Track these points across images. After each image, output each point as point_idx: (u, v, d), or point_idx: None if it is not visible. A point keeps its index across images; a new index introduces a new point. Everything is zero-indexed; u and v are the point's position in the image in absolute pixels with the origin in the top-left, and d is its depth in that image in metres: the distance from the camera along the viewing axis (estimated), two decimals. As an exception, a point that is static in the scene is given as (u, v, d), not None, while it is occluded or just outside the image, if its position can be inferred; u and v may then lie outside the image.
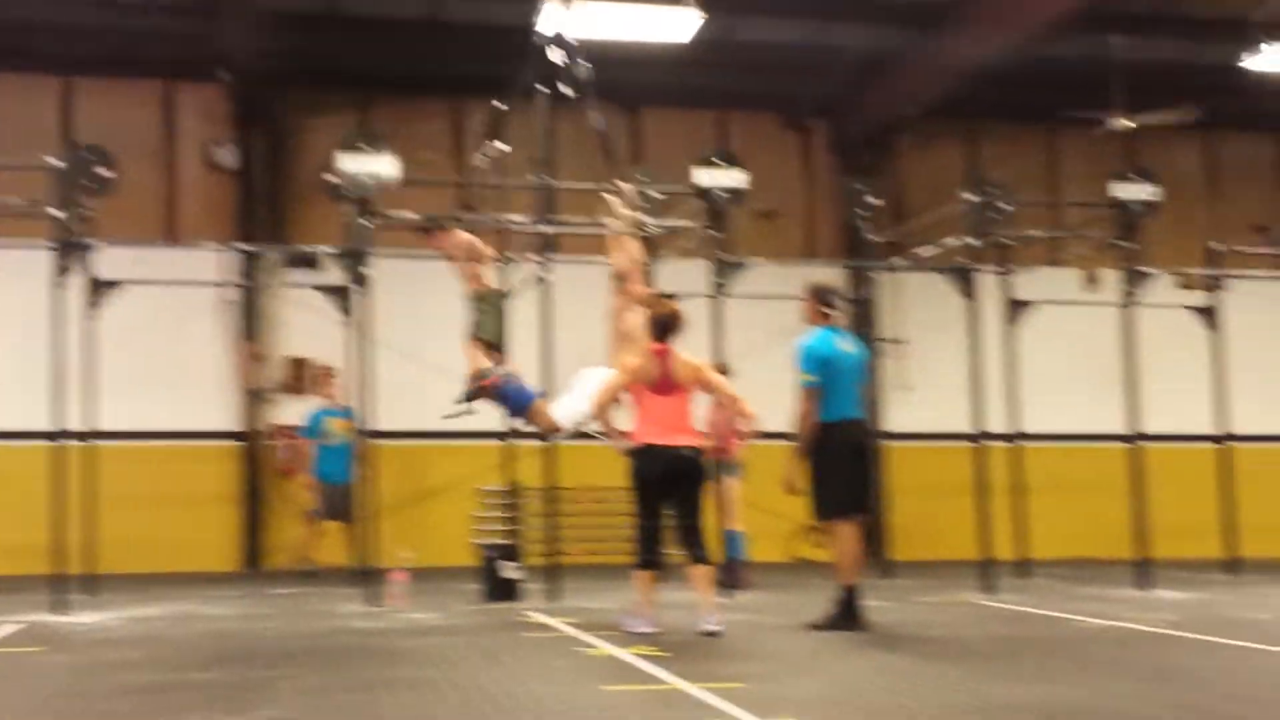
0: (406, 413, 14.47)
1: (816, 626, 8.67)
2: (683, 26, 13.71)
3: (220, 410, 15.77)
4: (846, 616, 8.66)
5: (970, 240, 11.91)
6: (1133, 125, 15.82)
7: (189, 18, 14.86)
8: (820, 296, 9.08)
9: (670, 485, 8.38)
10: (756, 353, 15.24)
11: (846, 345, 8.96)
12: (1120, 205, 12.15)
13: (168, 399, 15.51)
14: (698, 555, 8.47)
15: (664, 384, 8.42)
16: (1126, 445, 11.99)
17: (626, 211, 10.05)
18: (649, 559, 8.43)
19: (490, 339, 9.96)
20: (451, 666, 7.06)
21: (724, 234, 12.11)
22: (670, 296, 8.98)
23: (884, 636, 8.42)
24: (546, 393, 10.00)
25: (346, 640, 8.26)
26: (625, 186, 10.25)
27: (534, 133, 11.33)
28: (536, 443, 11.13)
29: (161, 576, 14.08)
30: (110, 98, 16.08)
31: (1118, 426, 12.42)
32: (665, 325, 8.53)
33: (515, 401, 9.67)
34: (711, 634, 8.15)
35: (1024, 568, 13.12)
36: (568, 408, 9.44)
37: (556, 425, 9.59)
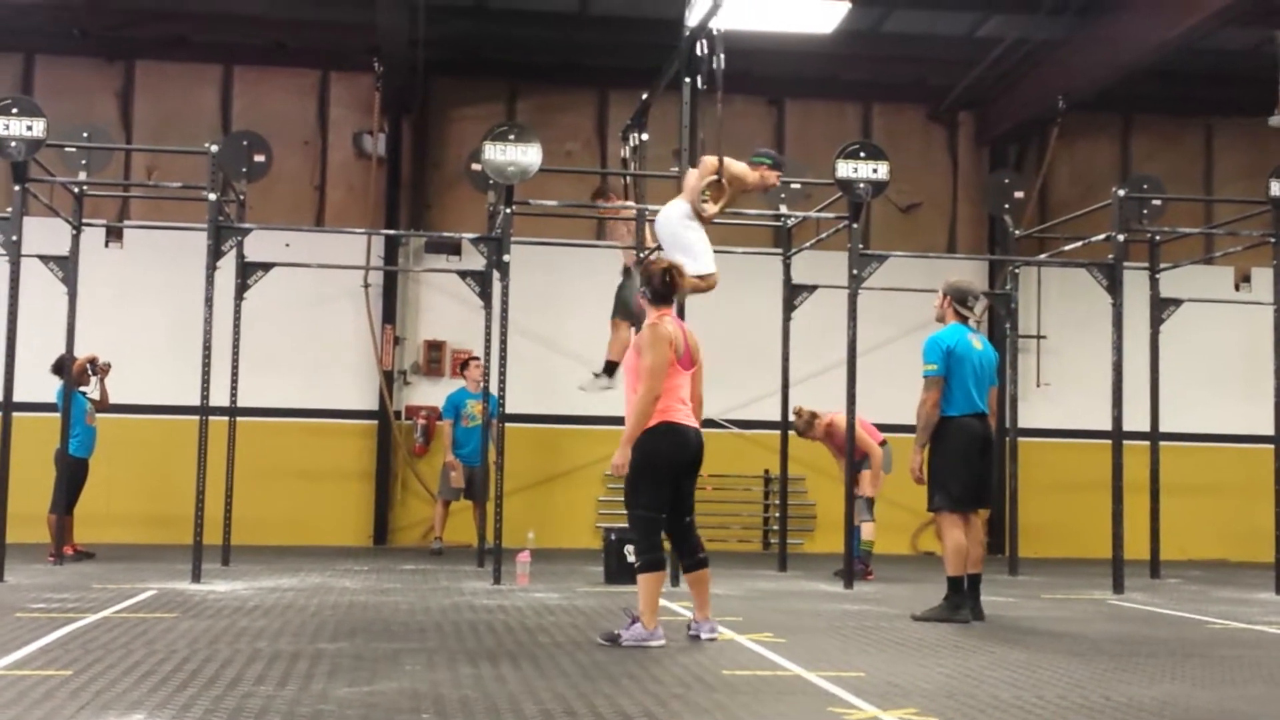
0: (539, 396, 14.66)
1: (918, 617, 8.70)
2: (827, 17, 13.62)
3: (358, 390, 16.09)
4: (952, 609, 8.64)
5: (1118, 236, 11.65)
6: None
7: (345, 7, 15.20)
8: (957, 296, 9.05)
9: (685, 473, 7.47)
10: (891, 346, 15.16)
11: (976, 342, 8.97)
12: (1278, 203, 11.76)
13: (308, 377, 15.91)
14: (703, 558, 7.58)
15: (686, 357, 7.46)
16: (1273, 447, 11.64)
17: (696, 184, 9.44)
18: (660, 556, 7.40)
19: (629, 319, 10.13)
20: (574, 645, 7.16)
21: (864, 226, 12.01)
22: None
23: (1007, 631, 8.32)
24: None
25: (471, 616, 8.40)
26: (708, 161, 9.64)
27: (676, 124, 11.36)
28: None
29: (294, 549, 14.48)
30: (267, 86, 16.53)
31: (1263, 428, 12.07)
32: (671, 285, 7.54)
33: None
34: (712, 640, 7.45)
35: (1157, 568, 12.85)
36: (696, 262, 8.95)
37: (703, 277, 9.00)
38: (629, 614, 7.32)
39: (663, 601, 9.39)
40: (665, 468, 7.34)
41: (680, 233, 9.24)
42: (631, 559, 10.71)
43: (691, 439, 7.39)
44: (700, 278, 9.04)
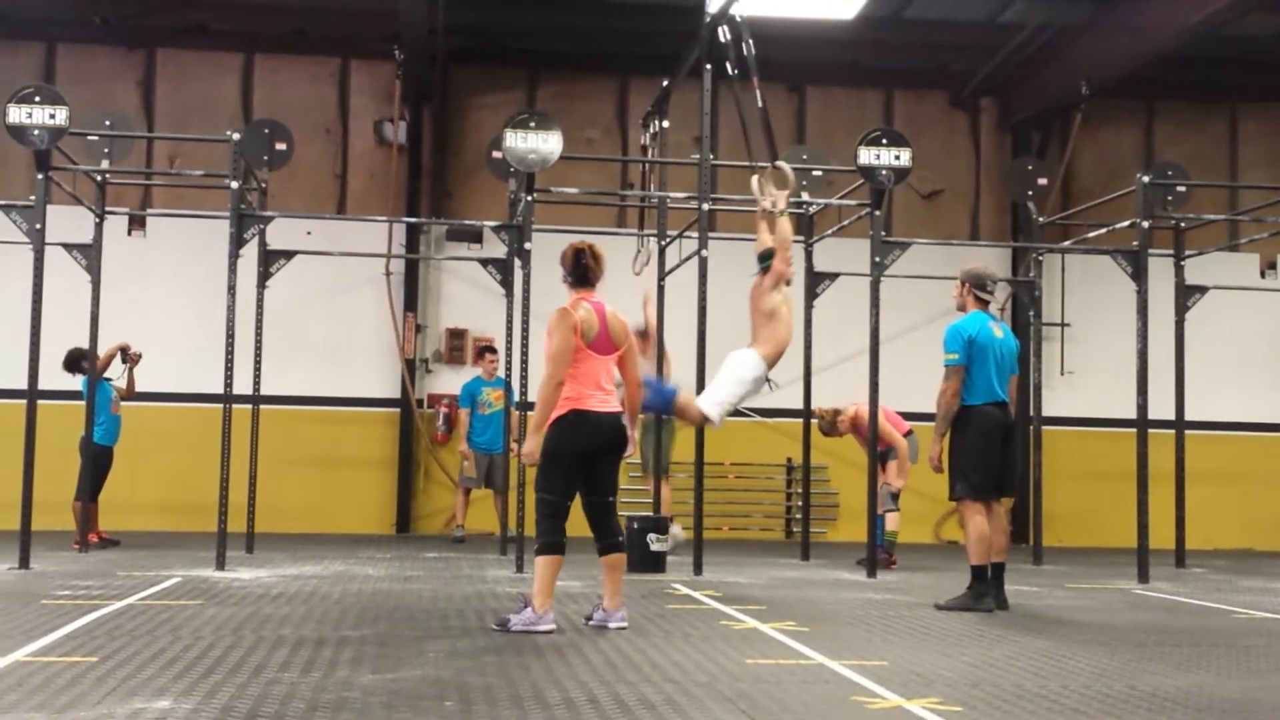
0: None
1: (942, 606, 8.66)
2: (848, 3, 13.59)
3: (380, 378, 16.11)
4: (976, 598, 8.61)
5: (1142, 222, 11.59)
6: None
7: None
8: (975, 281, 9.01)
9: (599, 458, 7.34)
10: (913, 334, 15.11)
11: (997, 330, 8.92)
12: (1303, 189, 11.71)
13: (331, 365, 15.94)
14: (620, 541, 7.60)
15: (604, 341, 7.35)
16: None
17: (775, 192, 9.78)
18: (560, 540, 7.33)
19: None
20: (596, 633, 7.17)
21: (887, 213, 11.97)
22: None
23: (1031, 620, 8.29)
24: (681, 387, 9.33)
25: (494, 604, 8.40)
26: (784, 166, 10.05)
27: (696, 111, 11.34)
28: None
29: (317, 537, 14.51)
30: (287, 74, 16.53)
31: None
32: (586, 267, 7.43)
33: (658, 402, 8.93)
34: (621, 631, 7.33)
35: (1182, 557, 12.79)
36: (714, 397, 8.95)
37: (705, 417, 8.93)
38: (523, 598, 7.35)
39: (686, 590, 9.46)
40: (574, 456, 7.24)
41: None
42: (655, 547, 10.82)
43: (605, 425, 7.27)
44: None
